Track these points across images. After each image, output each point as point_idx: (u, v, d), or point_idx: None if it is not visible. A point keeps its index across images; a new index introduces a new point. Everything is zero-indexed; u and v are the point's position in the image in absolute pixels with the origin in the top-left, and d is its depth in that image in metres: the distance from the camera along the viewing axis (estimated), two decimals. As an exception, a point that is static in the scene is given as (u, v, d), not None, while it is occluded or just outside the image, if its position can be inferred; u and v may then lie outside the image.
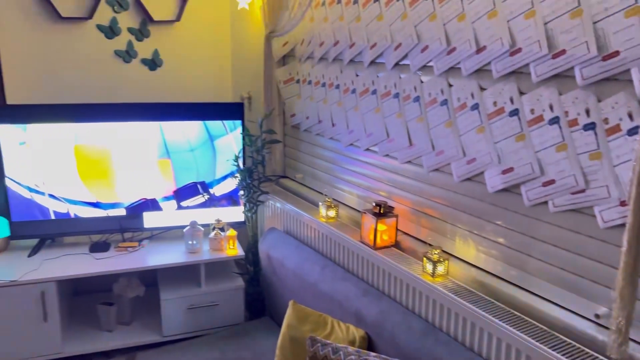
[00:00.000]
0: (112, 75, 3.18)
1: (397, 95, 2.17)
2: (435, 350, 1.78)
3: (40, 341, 2.66)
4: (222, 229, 2.97)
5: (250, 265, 3.05)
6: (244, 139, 3.00)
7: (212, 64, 3.44)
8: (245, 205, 3.04)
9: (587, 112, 1.48)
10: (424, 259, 1.96)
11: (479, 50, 1.76)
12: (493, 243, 1.86)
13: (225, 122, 3.00)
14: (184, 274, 3.02)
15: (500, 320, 1.65)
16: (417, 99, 2.07)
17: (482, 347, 1.71)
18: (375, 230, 2.17)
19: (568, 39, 1.48)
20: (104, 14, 3.07)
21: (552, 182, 1.61)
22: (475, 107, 1.81)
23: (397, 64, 2.15)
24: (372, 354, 1.86)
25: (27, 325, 2.62)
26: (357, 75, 2.41)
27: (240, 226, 3.13)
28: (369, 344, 2.04)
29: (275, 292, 2.75)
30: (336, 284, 2.27)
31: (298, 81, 2.90)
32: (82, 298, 3.18)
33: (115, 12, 3.09)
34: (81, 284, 3.20)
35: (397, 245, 2.23)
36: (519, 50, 1.62)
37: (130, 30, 3.16)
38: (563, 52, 1.50)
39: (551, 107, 1.57)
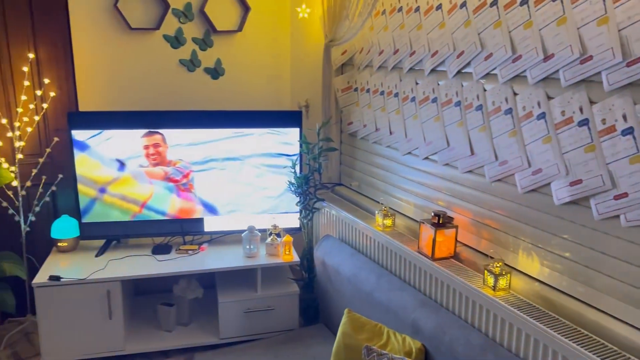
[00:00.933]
0: (176, 83, 3.31)
1: (458, 104, 2.14)
2: (496, 365, 1.73)
3: (105, 338, 2.78)
4: (278, 235, 3.01)
5: (305, 272, 3.07)
6: (301, 146, 3.03)
7: (272, 72, 3.51)
8: (301, 211, 3.07)
9: (665, 122, 1.40)
10: (485, 271, 1.91)
11: (547, 57, 1.70)
12: (558, 257, 1.80)
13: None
14: (241, 278, 3.08)
15: (565, 338, 1.58)
16: (479, 107, 2.03)
17: (546, 365, 1.65)
18: (434, 240, 2.14)
19: (645, 45, 1.42)
20: (170, 24, 3.20)
21: (624, 195, 1.53)
22: (542, 116, 1.76)
23: (459, 72, 2.12)
24: (430, 366, 1.83)
25: (93, 322, 2.74)
26: (416, 84, 2.39)
27: (296, 232, 3.16)
28: (426, 357, 2.01)
29: (329, 299, 2.76)
30: (392, 293, 2.25)
31: (356, 89, 2.90)
32: (143, 298, 3.31)
33: (181, 22, 3.21)
34: (142, 284, 3.32)
35: (456, 256, 2.19)
36: (590, 57, 1.57)
37: (194, 40, 3.27)
38: (639, 59, 1.43)
39: (625, 117, 1.50)
